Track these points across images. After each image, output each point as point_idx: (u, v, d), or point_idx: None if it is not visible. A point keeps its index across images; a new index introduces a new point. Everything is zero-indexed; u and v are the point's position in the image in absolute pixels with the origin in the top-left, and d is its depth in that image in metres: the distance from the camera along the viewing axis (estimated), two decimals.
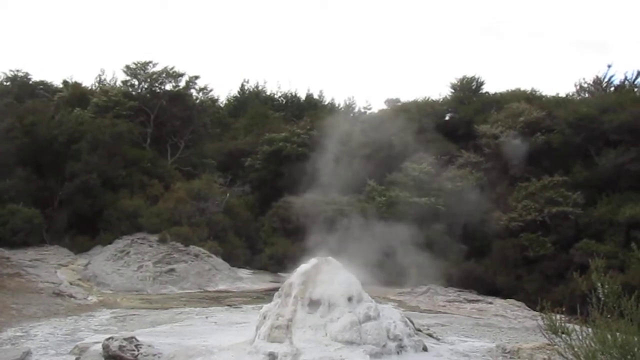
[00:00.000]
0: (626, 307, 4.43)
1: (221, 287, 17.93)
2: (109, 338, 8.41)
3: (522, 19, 69.72)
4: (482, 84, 30.60)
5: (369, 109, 34.02)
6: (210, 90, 30.04)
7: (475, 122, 25.86)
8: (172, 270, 17.99)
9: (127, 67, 27.66)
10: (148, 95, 27.44)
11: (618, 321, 4.39)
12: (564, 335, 4.61)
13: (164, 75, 27.43)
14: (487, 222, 21.11)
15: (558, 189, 20.85)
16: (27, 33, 65.56)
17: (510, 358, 8.90)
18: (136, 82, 28.01)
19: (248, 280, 19.31)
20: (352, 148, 22.51)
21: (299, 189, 23.12)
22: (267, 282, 18.99)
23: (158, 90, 27.45)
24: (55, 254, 18.56)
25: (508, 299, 17.67)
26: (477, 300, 17.52)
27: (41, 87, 30.87)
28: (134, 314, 13.02)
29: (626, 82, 27.27)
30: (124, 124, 24.20)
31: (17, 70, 30.85)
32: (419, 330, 9.87)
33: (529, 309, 15.97)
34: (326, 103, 38.87)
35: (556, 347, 4.73)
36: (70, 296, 14.64)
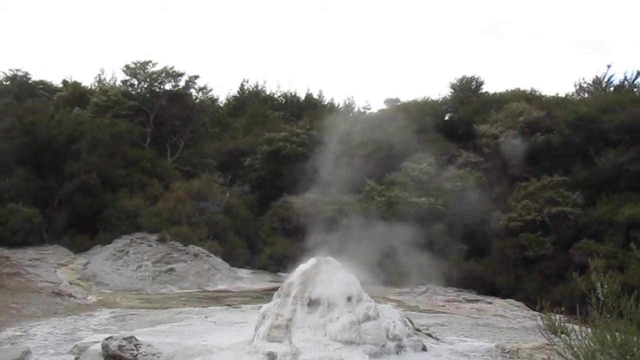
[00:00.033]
0: (625, 307, 4.43)
1: (220, 286, 17.92)
2: (109, 338, 8.40)
3: (522, 19, 69.81)
4: (481, 83, 30.66)
5: (369, 108, 34.04)
6: (210, 90, 30.09)
7: (475, 122, 25.89)
8: (172, 269, 17.99)
9: (127, 66, 27.68)
10: (147, 94, 27.44)
11: (617, 321, 4.40)
12: (563, 335, 4.61)
13: (163, 74, 27.43)
14: (487, 222, 21.13)
15: (557, 189, 20.87)
16: (26, 33, 65.60)
17: (510, 358, 8.89)
18: (136, 82, 28.02)
19: (247, 280, 19.31)
20: (352, 148, 22.52)
21: (299, 188, 23.13)
22: (267, 281, 18.98)
23: (158, 90, 27.45)
24: (54, 253, 18.56)
25: (507, 299, 17.67)
26: (477, 300, 17.52)
27: (41, 86, 30.88)
28: (134, 314, 13.01)
29: (626, 82, 27.32)
30: (123, 124, 24.20)
31: (17, 70, 30.92)
32: (418, 330, 9.86)
33: (528, 308, 15.98)
34: (326, 103, 38.89)
35: (555, 347, 4.73)
36: (70, 296, 14.64)
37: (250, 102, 36.94)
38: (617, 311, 4.46)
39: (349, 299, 8.66)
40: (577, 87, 29.14)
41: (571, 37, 69.25)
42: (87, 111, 24.81)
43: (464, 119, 27.54)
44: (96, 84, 32.23)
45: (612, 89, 27.76)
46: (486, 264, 20.38)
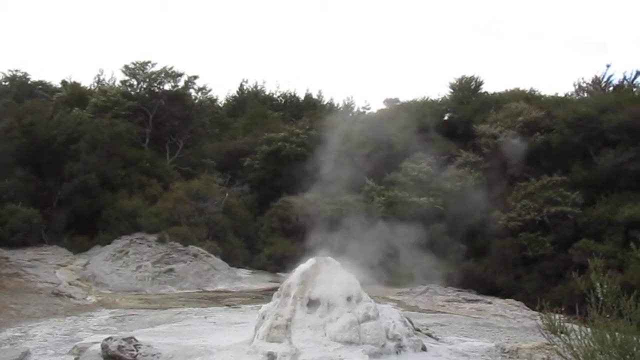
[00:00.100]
0: (625, 306, 4.42)
1: (220, 287, 17.92)
2: (108, 338, 8.40)
3: (521, 19, 69.82)
4: (481, 83, 30.64)
5: (368, 108, 34.02)
6: (209, 90, 30.08)
7: (474, 122, 25.89)
8: (171, 270, 17.98)
9: (126, 67, 27.66)
10: (147, 95, 27.43)
11: (617, 321, 4.39)
12: (562, 335, 4.61)
13: (162, 75, 27.42)
14: (486, 221, 21.12)
15: (557, 189, 20.87)
16: (26, 33, 65.57)
17: (509, 358, 8.90)
18: (135, 82, 28.01)
19: (247, 280, 19.31)
20: (351, 148, 22.50)
21: (298, 188, 23.13)
22: (266, 282, 18.98)
23: (157, 90, 27.44)
24: (54, 254, 18.56)
25: (507, 299, 17.68)
26: (476, 300, 17.53)
27: (40, 87, 30.85)
28: (133, 314, 13.01)
29: (625, 82, 27.33)
30: (122, 124, 24.19)
31: (16, 70, 30.88)
32: (418, 330, 9.87)
33: (528, 308, 15.98)
34: (325, 103, 38.88)
35: (555, 346, 4.73)
36: (69, 296, 14.63)
37: (250, 102, 36.92)
38: (617, 311, 4.46)
39: (349, 299, 8.66)
40: (577, 86, 29.19)
41: (571, 37, 69.36)
42: (86, 111, 24.80)
43: (463, 119, 27.54)
44: (95, 84, 32.23)
45: (611, 88, 27.77)
46: (486, 264, 20.38)
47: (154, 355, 8.15)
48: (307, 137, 26.49)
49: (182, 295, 16.47)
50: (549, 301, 5.00)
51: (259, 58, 66.31)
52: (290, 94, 38.92)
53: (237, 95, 39.38)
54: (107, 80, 32.40)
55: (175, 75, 27.61)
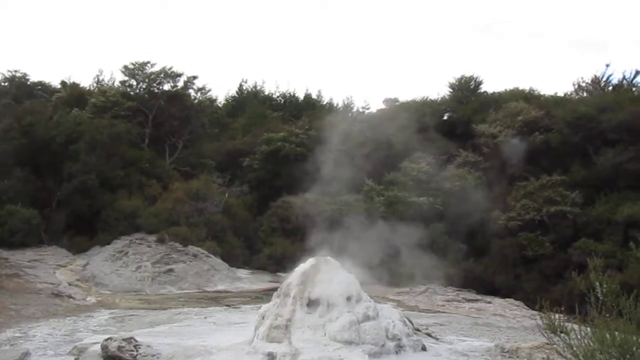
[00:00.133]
0: (625, 306, 4.42)
1: (220, 287, 17.92)
2: (108, 338, 8.40)
3: (521, 19, 69.83)
4: (480, 83, 30.64)
5: (368, 108, 34.02)
6: (209, 91, 30.08)
7: (474, 122, 25.89)
8: (171, 270, 17.98)
9: (125, 67, 27.64)
10: (146, 95, 27.42)
11: (616, 320, 4.39)
12: (562, 335, 4.61)
13: (162, 75, 27.41)
14: (486, 221, 21.13)
15: (556, 189, 20.88)
16: (25, 33, 65.54)
17: (509, 357, 8.90)
18: (134, 83, 28.00)
19: (247, 280, 19.31)
20: (351, 148, 22.50)
21: (298, 188, 23.14)
22: (266, 282, 18.98)
23: (156, 91, 27.44)
24: (53, 254, 18.54)
25: (507, 299, 17.69)
26: (476, 300, 17.53)
27: (39, 87, 30.82)
28: (133, 315, 13.01)
29: (624, 81, 27.35)
30: (122, 125, 24.18)
31: (15, 71, 30.85)
32: (418, 329, 9.87)
33: (527, 308, 16.00)
34: (324, 103, 38.88)
35: (555, 346, 4.73)
36: (69, 297, 14.63)
37: (249, 102, 36.92)
38: (616, 310, 4.46)
39: (349, 298, 8.66)
40: (576, 86, 29.21)
41: (571, 37, 69.37)
42: (85, 112, 24.78)
43: (462, 119, 27.54)
44: (95, 84, 32.20)
45: (610, 88, 27.79)
46: (485, 264, 20.39)
47: (153, 355, 8.15)
48: (306, 137, 26.50)
49: (181, 296, 16.47)
50: (549, 301, 5.00)
51: (258, 58, 66.39)
52: (289, 94, 38.97)
53: (237, 95, 39.38)
54: (106, 80, 32.43)
55: (174, 76, 27.61)
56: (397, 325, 8.79)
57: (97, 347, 8.40)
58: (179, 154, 27.00)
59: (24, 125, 20.77)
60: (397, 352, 8.43)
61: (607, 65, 30.69)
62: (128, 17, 69.61)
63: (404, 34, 71.26)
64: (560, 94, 29.37)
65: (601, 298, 4.55)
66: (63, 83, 31.14)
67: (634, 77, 26.97)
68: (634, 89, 26.73)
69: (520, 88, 29.91)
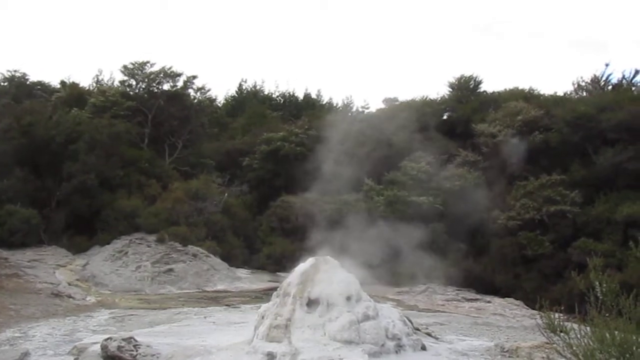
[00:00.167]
0: (624, 305, 4.43)
1: (219, 287, 17.92)
2: (108, 338, 8.40)
3: (521, 19, 69.82)
4: (480, 82, 30.59)
5: (367, 108, 33.99)
6: (208, 90, 30.01)
7: (473, 121, 25.87)
8: (171, 270, 17.98)
9: (125, 67, 27.63)
10: (146, 95, 27.41)
11: (616, 320, 4.39)
12: (562, 334, 4.61)
13: (161, 75, 27.41)
14: (486, 221, 21.12)
15: (556, 188, 20.87)
16: (25, 33, 65.51)
17: (509, 357, 8.90)
18: (134, 82, 27.99)
19: (246, 280, 19.31)
20: (350, 147, 22.50)
21: (297, 188, 23.15)
22: (266, 281, 18.99)
23: (156, 90, 27.43)
24: (53, 254, 18.54)
25: (506, 298, 17.70)
26: (476, 299, 17.54)
27: (39, 87, 30.81)
28: (133, 314, 13.01)
29: (624, 81, 27.33)
30: (121, 124, 24.17)
31: (15, 71, 30.83)
32: (418, 329, 9.87)
33: (527, 307, 16.01)
34: (324, 102, 38.87)
35: (555, 345, 4.73)
36: (69, 296, 14.63)
37: (249, 102, 36.93)
38: (616, 310, 4.46)
39: (348, 298, 8.66)
40: (576, 85, 29.18)
41: (570, 37, 69.36)
42: (85, 112, 24.76)
43: (462, 118, 27.52)
44: (94, 84, 32.17)
45: (610, 87, 27.76)
46: (485, 263, 20.39)
47: (153, 355, 8.15)
48: (306, 136, 26.49)
49: (181, 295, 16.47)
50: (549, 300, 5.00)
51: (257, 58, 66.38)
52: (289, 93, 38.97)
53: (236, 95, 39.39)
54: (105, 80, 32.41)
55: (174, 75, 27.60)
56: (396, 324, 8.79)
57: (97, 347, 8.39)
58: (179, 154, 26.99)
59: (23, 125, 20.76)
60: (397, 352, 8.43)
61: (607, 65, 30.87)
62: (127, 17, 69.62)
63: (404, 33, 71.27)
64: (560, 93, 29.34)
65: (601, 297, 4.55)
66: (62, 83, 31.13)
67: (634, 76, 26.99)
68: (633, 88, 26.70)
69: (520, 87, 29.89)
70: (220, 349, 8.46)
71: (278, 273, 19.75)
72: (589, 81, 28.49)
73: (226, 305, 15.01)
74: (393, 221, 19.45)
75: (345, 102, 36.81)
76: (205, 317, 12.67)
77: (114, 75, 31.85)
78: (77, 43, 65.11)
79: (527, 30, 70.66)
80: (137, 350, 8.14)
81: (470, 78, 30.53)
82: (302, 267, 9.22)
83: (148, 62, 27.47)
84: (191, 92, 28.76)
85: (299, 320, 8.39)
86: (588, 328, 4.55)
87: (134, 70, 27.49)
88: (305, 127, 27.24)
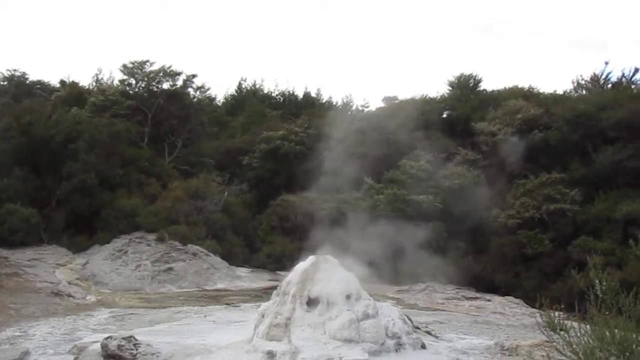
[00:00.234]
0: (624, 304, 4.43)
1: (219, 285, 17.93)
2: (108, 337, 8.39)
3: (521, 19, 69.79)
4: (479, 81, 30.64)
5: (367, 106, 33.99)
6: (208, 89, 30.04)
7: (473, 120, 25.88)
8: (171, 269, 17.98)
9: (125, 66, 27.65)
10: (145, 94, 27.42)
11: (616, 318, 4.40)
12: (562, 333, 4.62)
13: (161, 74, 27.41)
14: (485, 219, 21.12)
15: (556, 186, 20.87)
16: (24, 33, 65.48)
17: (509, 355, 8.90)
18: (133, 81, 28.00)
19: (246, 278, 19.33)
20: (350, 146, 22.51)
21: (297, 187, 23.15)
22: (266, 280, 19.00)
23: (155, 89, 27.44)
24: (53, 253, 18.53)
25: (506, 296, 17.70)
26: (476, 298, 17.54)
27: (38, 86, 30.84)
28: (133, 313, 13.00)
29: (623, 79, 27.35)
30: (121, 123, 24.18)
31: (15, 70, 30.89)
32: (418, 327, 9.87)
33: (527, 306, 16.01)
34: (324, 101, 38.88)
35: (554, 344, 4.73)
36: (69, 295, 14.62)
37: (248, 100, 36.93)
38: (616, 308, 4.47)
39: (348, 297, 8.66)
40: (575, 84, 29.18)
41: (570, 37, 69.36)
42: (84, 111, 24.78)
43: (462, 117, 27.53)
44: (94, 83, 32.20)
45: (609, 86, 27.77)
46: (485, 262, 20.40)
47: (153, 354, 8.15)
48: (305, 135, 26.50)
49: (181, 294, 16.47)
50: (548, 298, 5.00)
51: (257, 57, 66.42)
52: (288, 92, 38.98)
53: (236, 93, 39.38)
54: (105, 79, 32.43)
55: (173, 74, 27.61)
56: (396, 323, 8.79)
57: (97, 346, 8.38)
58: (178, 153, 27.00)
59: (23, 124, 20.75)
60: (396, 350, 8.42)
61: (607, 63, 30.91)
62: (127, 16, 69.57)
63: (404, 33, 71.29)
64: (560, 92, 29.39)
65: (601, 296, 4.56)
66: (62, 82, 31.15)
67: (633, 74, 27.02)
68: (633, 86, 26.71)
69: (520, 86, 29.91)
70: (220, 348, 8.45)
71: (278, 272, 19.76)
72: (588, 79, 28.53)
73: (226, 304, 15.01)
74: (393, 220, 19.45)
75: (345, 101, 36.80)
76: (205, 316, 12.67)
77: (113, 75, 31.95)
78: (77, 42, 65.20)
79: (527, 30, 70.77)
80: (137, 349, 8.13)
81: (470, 77, 30.55)
82: (302, 265, 9.22)
83: (148, 61, 27.53)
84: (191, 91, 28.81)
85: (299, 319, 8.38)
86: (588, 326, 4.56)
87: (134, 70, 27.50)
88: (304, 126, 27.24)
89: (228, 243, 21.65)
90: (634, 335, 4.25)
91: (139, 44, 64.63)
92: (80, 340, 9.41)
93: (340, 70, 64.87)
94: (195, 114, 27.98)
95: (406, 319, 9.30)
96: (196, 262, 18.73)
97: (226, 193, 24.21)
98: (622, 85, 26.82)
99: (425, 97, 31.09)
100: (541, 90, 29.48)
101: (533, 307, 14.25)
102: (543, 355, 7.92)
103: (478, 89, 30.50)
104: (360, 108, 34.29)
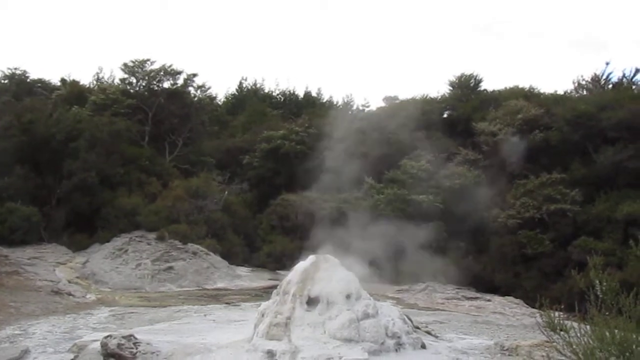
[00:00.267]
0: (624, 304, 4.43)
1: (219, 285, 17.94)
2: (108, 336, 8.39)
3: (521, 19, 69.76)
4: (480, 81, 30.62)
5: (368, 106, 34.01)
6: (209, 88, 30.12)
7: (474, 120, 25.86)
8: (171, 268, 17.99)
9: (125, 65, 27.67)
10: (146, 93, 27.43)
11: (616, 318, 4.39)
12: (562, 333, 4.61)
13: (162, 73, 27.42)
14: (486, 219, 21.11)
15: (556, 187, 20.86)
16: (25, 31, 65.49)
17: (509, 355, 8.90)
18: (134, 80, 28.03)
19: (246, 278, 19.33)
20: (351, 145, 22.51)
21: (297, 186, 23.15)
22: (266, 279, 19.00)
23: (156, 88, 27.46)
24: (53, 252, 18.54)
25: (506, 297, 17.69)
26: (476, 298, 17.53)
27: (39, 85, 30.85)
28: (133, 312, 13.00)
29: (624, 80, 27.34)
30: (122, 122, 24.19)
31: (15, 68, 30.90)
32: (418, 327, 9.87)
33: (527, 306, 16.00)
34: (324, 101, 38.87)
35: (554, 344, 4.73)
36: (69, 294, 14.62)
37: (249, 100, 36.93)
38: (616, 308, 4.46)
39: (348, 296, 8.65)
40: (576, 84, 29.18)
41: (570, 37, 69.33)
42: (85, 109, 24.79)
43: (462, 117, 27.51)
44: (95, 82, 32.21)
45: (610, 86, 27.75)
46: (485, 262, 20.40)
47: (153, 353, 8.15)
48: (306, 134, 26.50)
49: (181, 293, 16.47)
50: (548, 299, 5.00)
51: (258, 56, 66.42)
52: (289, 91, 38.98)
53: (237, 93, 39.39)
54: (106, 78, 32.44)
55: (174, 73, 27.62)
56: (396, 323, 8.79)
57: (97, 345, 8.39)
58: (179, 152, 27.01)
59: (23, 122, 20.76)
60: (396, 350, 8.42)
61: (607, 64, 30.73)
62: (128, 15, 69.60)
63: (404, 33, 71.30)
64: (560, 92, 29.38)
65: (601, 296, 4.55)
66: (63, 80, 31.16)
67: (634, 75, 27.00)
68: (633, 87, 26.70)
69: (520, 86, 29.89)
70: (220, 347, 8.45)
71: (278, 271, 19.77)
72: (589, 80, 28.51)
73: (226, 303, 15.00)
74: (393, 220, 19.45)
75: (346, 101, 36.79)
76: (205, 315, 12.67)
77: (114, 73, 31.96)
78: (78, 41, 65.21)
79: (527, 30, 70.74)
80: (137, 348, 8.13)
81: (470, 77, 30.53)
82: (302, 265, 9.21)
83: (148, 60, 27.55)
84: (191, 90, 28.84)
85: (298, 319, 8.38)
86: (588, 327, 4.55)
87: (135, 68, 27.52)
88: (305, 126, 27.25)
89: (228, 242, 21.66)
90: (634, 336, 4.24)
91: (140, 43, 64.69)
92: (80, 339, 9.42)
93: (340, 70, 64.88)
94: (195, 113, 27.99)
95: (406, 318, 9.30)
96: (196, 261, 18.73)
97: (226, 192, 24.21)
98: (623, 86, 26.81)
99: (426, 97, 31.12)
100: (542, 91, 29.52)
101: (533, 307, 14.25)
102: (543, 356, 7.92)
103: (479, 89, 30.50)
104: (360, 108, 34.37)
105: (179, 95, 27.59)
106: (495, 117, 24.92)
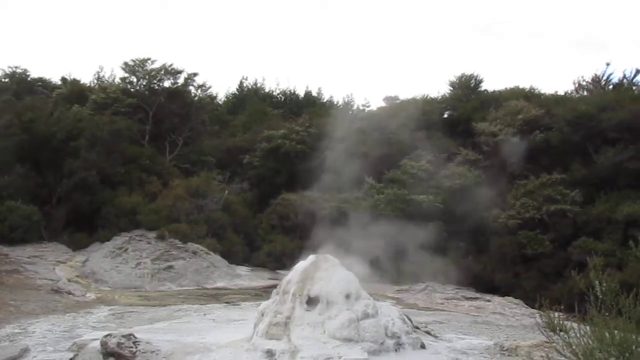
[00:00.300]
0: (624, 305, 4.42)
1: (219, 284, 17.95)
2: (107, 335, 8.39)
3: (521, 19, 69.74)
4: (480, 81, 30.61)
5: (368, 106, 33.99)
6: (209, 87, 30.11)
7: (474, 120, 25.86)
8: (171, 267, 17.99)
9: (126, 64, 27.67)
10: (146, 92, 27.43)
11: (616, 319, 4.39)
12: (562, 333, 4.61)
13: (162, 72, 27.42)
14: (486, 219, 21.11)
15: (556, 187, 20.86)
16: (26, 30, 65.50)
17: (508, 356, 8.89)
18: (135, 79, 28.03)
19: (246, 277, 19.34)
20: (351, 145, 22.51)
21: (298, 186, 23.15)
22: (266, 279, 19.01)
23: (156, 87, 27.46)
24: (53, 250, 18.55)
25: (506, 297, 17.69)
26: (475, 298, 17.53)
27: (40, 83, 30.83)
28: (132, 311, 13.01)
29: (625, 80, 27.32)
30: (122, 121, 24.18)
31: (16, 67, 30.85)
32: (417, 327, 9.86)
33: (527, 306, 16.00)
34: (325, 100, 38.86)
35: (554, 344, 4.73)
36: (69, 293, 14.63)
37: (249, 99, 36.93)
38: (616, 309, 4.46)
39: (348, 296, 8.65)
40: (576, 85, 29.16)
41: (570, 37, 69.32)
42: (86, 108, 24.77)
43: (463, 117, 27.52)
44: (95, 81, 32.16)
45: (611, 87, 27.74)
46: (485, 262, 20.40)
47: (153, 352, 8.14)
48: (306, 134, 26.51)
49: (181, 293, 16.47)
50: (548, 299, 5.00)
51: (258, 55, 66.39)
52: (289, 91, 38.96)
53: (237, 92, 39.39)
54: (106, 77, 32.39)
55: (174, 73, 27.62)
56: (396, 323, 8.79)
57: (97, 344, 8.38)
58: (179, 151, 27.01)
59: (24, 121, 20.77)
60: (396, 350, 8.42)
61: (608, 64, 30.86)
62: (129, 14, 69.61)
63: (405, 33, 71.31)
64: (561, 92, 29.37)
65: (600, 297, 4.55)
66: (63, 79, 31.13)
67: (635, 76, 26.97)
68: (634, 87, 26.68)
69: (521, 87, 29.92)
70: (219, 346, 8.45)
71: (278, 271, 19.77)
72: (589, 80, 28.49)
73: (226, 302, 15.00)
74: (393, 220, 19.45)
75: (346, 100, 36.77)
76: (205, 315, 12.67)
77: (114, 72, 31.92)
78: (78, 40, 65.24)
79: (527, 30, 70.75)
80: (136, 347, 8.13)
81: (471, 77, 30.53)
82: (302, 265, 9.21)
83: (149, 59, 27.55)
84: (192, 89, 28.84)
85: (298, 318, 8.38)
86: (588, 327, 4.55)
87: (135, 67, 27.52)
88: (305, 125, 27.25)
89: (228, 241, 21.66)
90: (634, 337, 4.24)
91: (141, 42, 64.73)
92: (79, 338, 9.43)
93: (341, 70, 64.87)
94: (196, 113, 28.00)
95: (406, 318, 9.30)
96: (196, 261, 18.74)
97: (227, 192, 24.22)
98: (623, 87, 26.80)
99: (427, 97, 31.13)
100: (542, 91, 29.55)
101: (533, 307, 14.24)
102: (542, 356, 7.92)
103: (479, 89, 30.49)
104: (361, 107, 34.35)
105: (179, 94, 27.60)
106: (496, 117, 24.93)
